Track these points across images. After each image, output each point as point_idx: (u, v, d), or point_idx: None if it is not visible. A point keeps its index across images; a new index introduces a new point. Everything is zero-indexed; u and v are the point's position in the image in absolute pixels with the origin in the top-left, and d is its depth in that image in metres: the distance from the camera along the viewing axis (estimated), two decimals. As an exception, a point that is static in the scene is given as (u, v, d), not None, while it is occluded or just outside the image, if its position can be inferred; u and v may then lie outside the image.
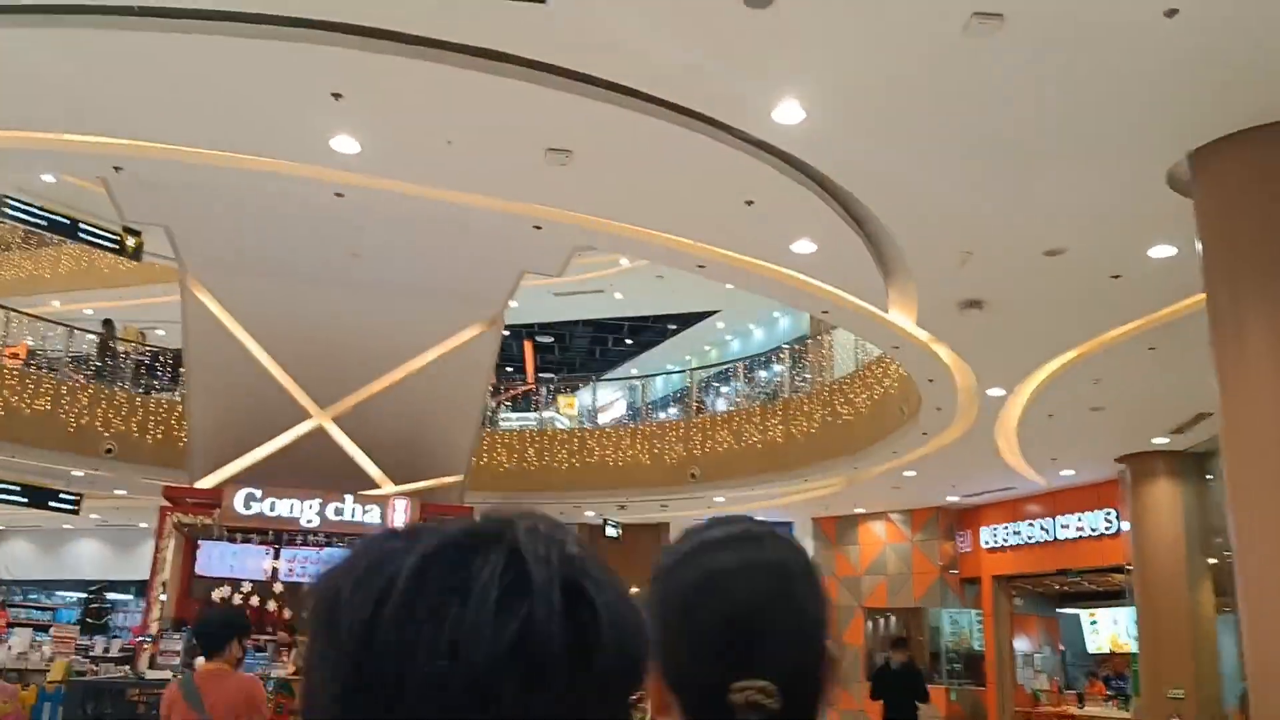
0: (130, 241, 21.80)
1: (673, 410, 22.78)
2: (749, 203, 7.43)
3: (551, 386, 24.26)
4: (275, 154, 7.06)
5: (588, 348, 29.00)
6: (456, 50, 5.81)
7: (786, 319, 23.80)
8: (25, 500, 20.26)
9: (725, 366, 23.13)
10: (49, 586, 28.14)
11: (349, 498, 10.48)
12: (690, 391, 22.08)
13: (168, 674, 9.57)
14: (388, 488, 11.30)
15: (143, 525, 22.26)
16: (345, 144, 6.86)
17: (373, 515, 10.51)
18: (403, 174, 7.34)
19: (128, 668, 9.97)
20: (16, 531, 27.91)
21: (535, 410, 23.78)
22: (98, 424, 18.72)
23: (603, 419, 23.53)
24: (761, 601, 1.00)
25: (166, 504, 10.42)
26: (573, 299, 24.37)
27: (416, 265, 10.19)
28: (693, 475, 19.04)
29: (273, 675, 9.79)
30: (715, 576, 1.01)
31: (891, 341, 9.72)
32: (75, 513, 21.33)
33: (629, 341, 28.03)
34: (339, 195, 7.64)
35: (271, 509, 10.24)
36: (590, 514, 21.64)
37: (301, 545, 10.62)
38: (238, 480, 10.51)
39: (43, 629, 16.23)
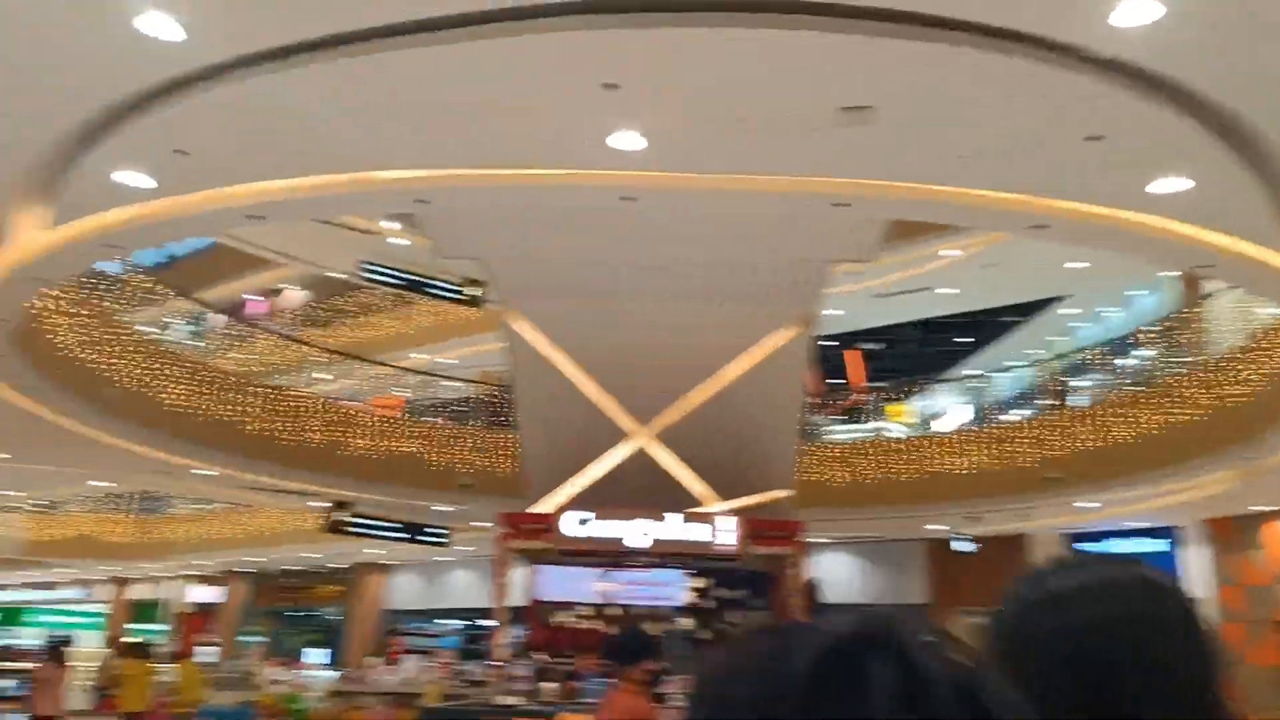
0: (470, 291, 23.37)
1: (1020, 411, 20.70)
2: (1094, 138, 6.19)
3: (881, 395, 22.98)
4: (557, 163, 6.84)
5: (917, 351, 27.36)
6: (734, 9, 5.22)
7: (1147, 295, 20.94)
8: (405, 535, 22.31)
9: (1079, 356, 20.70)
10: (431, 615, 30.81)
11: (675, 517, 10.19)
12: (1041, 387, 19.93)
13: (515, 700, 9.66)
14: (715, 505, 10.89)
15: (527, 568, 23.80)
16: (626, 140, 6.49)
17: (701, 534, 10.13)
18: (690, 164, 6.86)
19: (472, 693, 10.24)
20: (402, 566, 30.82)
21: (865, 421, 22.65)
22: (456, 462, 20.16)
23: (941, 425, 21.99)
24: (1121, 670, 0.88)
25: (503, 530, 10.65)
26: (895, 300, 23.02)
27: (718, 267, 9.73)
28: (1051, 479, 17.05)
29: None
30: (1063, 640, 0.89)
31: (1298, 294, 7.85)
32: (445, 545, 23.19)
33: (963, 341, 26.08)
34: (627, 199, 7.31)
35: (600, 530, 10.17)
36: (934, 528, 20.20)
37: (633, 567, 10.47)
38: (570, 504, 10.56)
39: (428, 655, 17.59)
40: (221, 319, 26.46)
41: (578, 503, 10.66)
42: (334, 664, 27.07)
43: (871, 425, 22.23)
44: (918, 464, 18.78)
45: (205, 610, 34.44)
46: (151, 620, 35.72)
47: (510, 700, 9.69)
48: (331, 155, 6.69)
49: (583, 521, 10.23)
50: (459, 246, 9.47)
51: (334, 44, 5.27)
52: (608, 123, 6.31)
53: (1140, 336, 17.55)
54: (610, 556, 10.42)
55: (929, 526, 20.23)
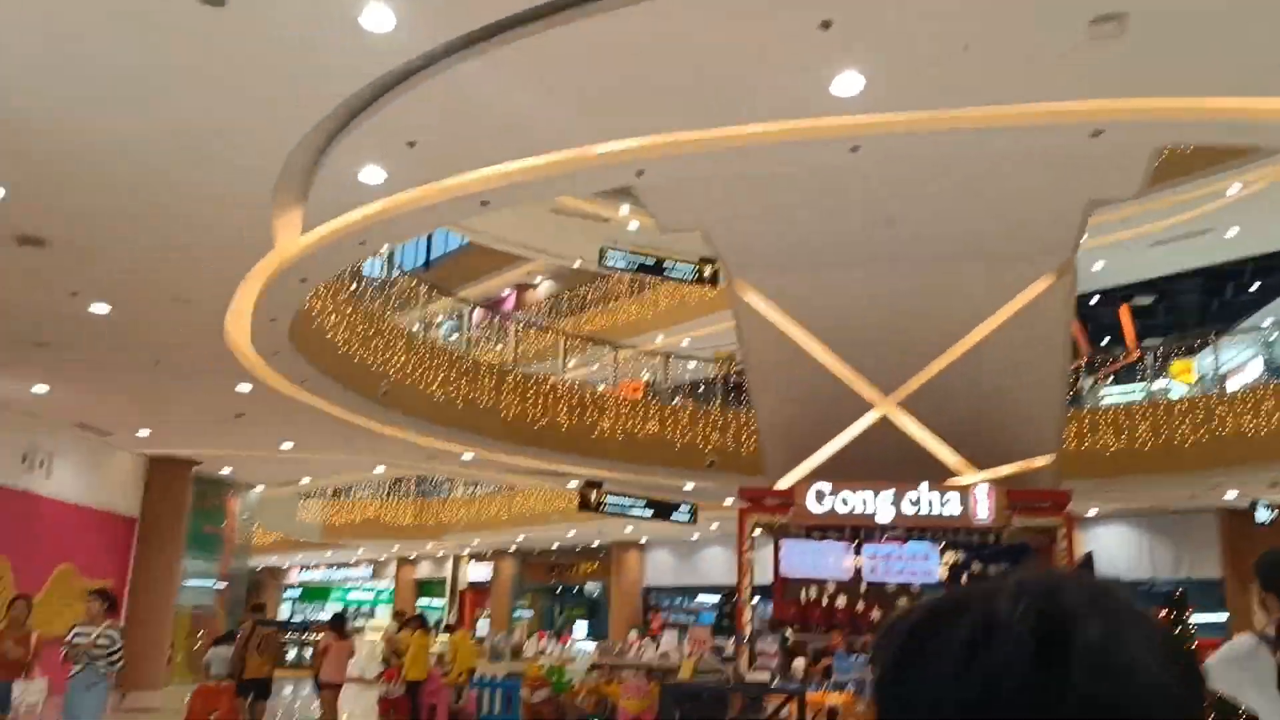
0: (707, 270, 23.47)
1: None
2: None
3: (1159, 353, 20.89)
4: (778, 115, 6.52)
5: (1199, 302, 24.69)
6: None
7: None
8: (651, 514, 22.74)
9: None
10: (688, 592, 31.33)
11: (924, 487, 9.60)
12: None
13: (764, 676, 9.49)
14: (968, 475, 10.20)
15: (758, 532, 23.82)
16: (848, 83, 6.08)
17: (952, 506, 9.49)
18: (917, 102, 6.35)
19: (730, 670, 10.15)
20: (657, 544, 31.52)
21: (1142, 382, 20.67)
22: (699, 440, 20.29)
23: (1232, 384, 19.67)
24: None
25: (744, 505, 10.47)
26: (1173, 247, 20.82)
27: (958, 220, 9.03)
28: (1373, 437, 14.83)
29: (870, 680, 9.23)
30: None
31: None
32: (693, 522, 23.44)
33: (1254, 288, 23.26)
34: (855, 149, 6.88)
35: (844, 504, 9.75)
36: (1231, 495, 18.14)
37: (882, 540, 9.97)
38: (811, 477, 10.22)
39: (685, 630, 17.88)
40: (479, 314, 28.03)
41: (820, 476, 10.30)
42: (596, 638, 28.16)
43: (1149, 386, 20.28)
44: (1205, 426, 16.93)
45: (480, 587, 36.79)
46: (434, 595, 38.64)
47: (759, 677, 9.53)
48: (548, 135, 6.73)
49: (825, 495, 9.85)
50: (681, 218, 9.33)
51: (533, 19, 5.24)
52: (827, 66, 5.94)
53: None
54: (857, 530, 9.98)
55: (1229, 495, 18.21)
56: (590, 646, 18.22)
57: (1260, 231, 19.33)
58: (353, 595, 42.66)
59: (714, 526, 26.55)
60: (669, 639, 17.11)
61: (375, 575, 41.96)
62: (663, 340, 26.49)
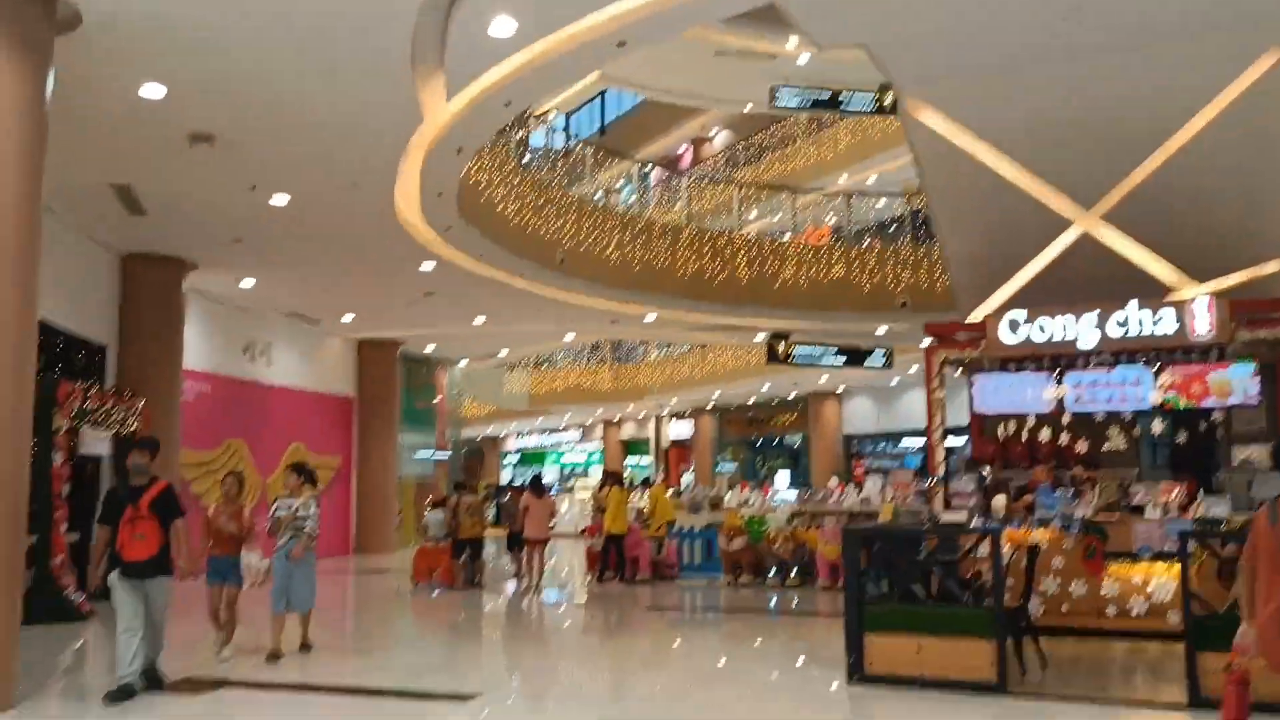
0: (887, 99, 22.14)
1: None
2: None
3: None
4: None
5: None
6: None
7: None
8: (843, 361, 22.27)
9: None
10: (889, 437, 30.90)
11: (1132, 305, 8.71)
12: None
13: (962, 516, 9.12)
14: (1185, 290, 9.19)
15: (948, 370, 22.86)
16: None
17: (1166, 323, 8.58)
18: None
19: (926, 510, 9.83)
20: (855, 391, 31.09)
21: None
22: (889, 281, 19.51)
23: None
24: None
25: (932, 341, 9.91)
26: None
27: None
28: None
29: (1076, 515, 8.70)
30: None
31: None
32: (888, 367, 22.82)
33: None
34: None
35: (1041, 332, 9.01)
36: None
37: (1087, 368, 9.22)
38: (1004, 307, 9.51)
39: (889, 475, 17.65)
40: (656, 174, 27.71)
41: (1016, 304, 9.56)
42: (798, 487, 28.39)
43: None
44: None
45: (683, 444, 37.74)
46: (640, 454, 40.04)
47: (956, 518, 9.17)
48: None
49: (1020, 324, 9.13)
50: (838, 31, 8.54)
51: None
52: None
53: None
54: (1058, 360, 9.25)
55: None
56: (792, 496, 18.28)
57: None
58: (566, 458, 44.87)
59: (913, 370, 25.77)
60: (872, 485, 16.93)
61: (584, 438, 43.80)
62: (846, 181, 25.43)
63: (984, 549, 7.08)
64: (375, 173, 10.13)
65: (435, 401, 23.39)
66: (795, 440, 34.73)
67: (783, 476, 32.51)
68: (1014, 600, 7.30)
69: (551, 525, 14.17)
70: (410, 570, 14.36)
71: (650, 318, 19.03)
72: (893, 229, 23.55)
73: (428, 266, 13.96)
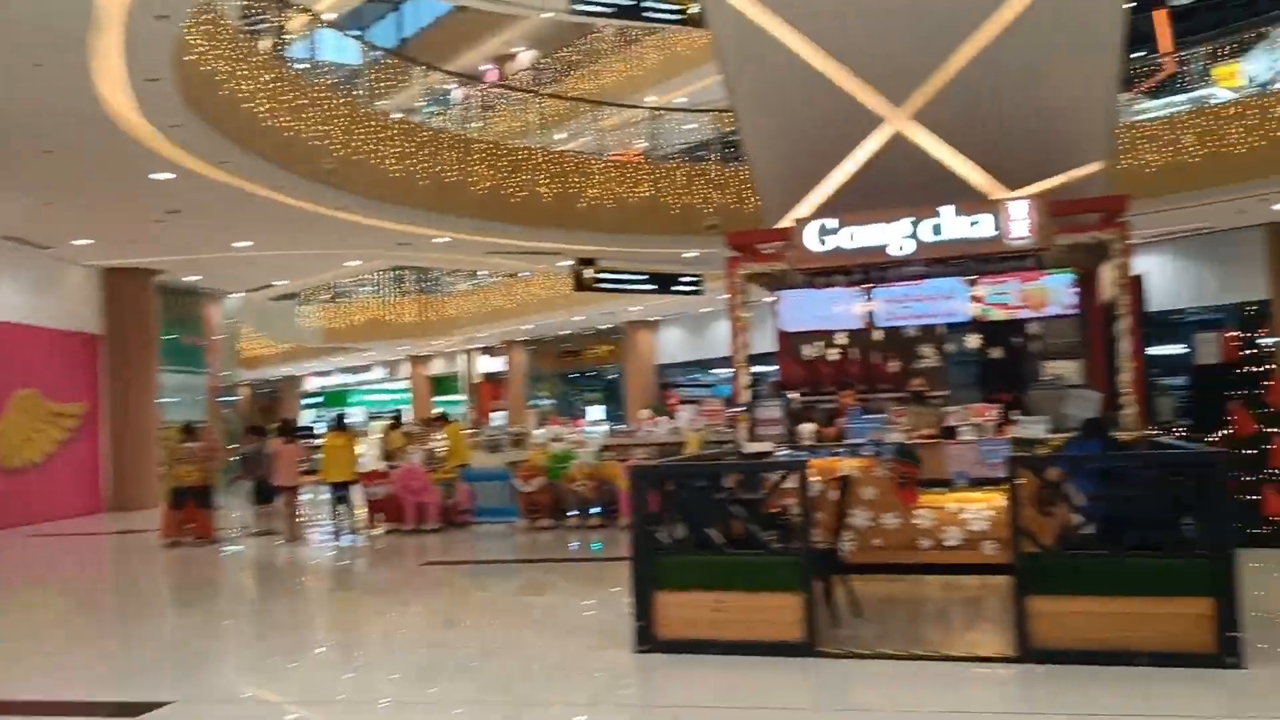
0: (693, 8, 20.94)
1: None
2: None
3: (1199, 55, 18.51)
4: None
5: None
6: None
7: None
8: (654, 287, 21.31)
9: None
10: (703, 366, 30.42)
11: (948, 210, 7.94)
12: None
13: (769, 446, 8.21)
14: (1001, 194, 8.50)
15: (770, 298, 22.28)
16: None
17: (982, 228, 7.85)
18: None
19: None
20: (670, 320, 30.36)
21: (1184, 92, 18.47)
22: (698, 203, 18.56)
23: (1284, 83, 17.45)
24: None
25: (734, 254, 8.89)
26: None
27: None
28: None
29: (889, 440, 7.95)
30: None
31: None
32: (699, 293, 22.05)
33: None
34: None
35: (852, 240, 8.11)
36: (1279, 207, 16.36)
37: (899, 282, 8.43)
38: (813, 215, 8.57)
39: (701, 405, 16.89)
40: (459, 93, 25.57)
41: (824, 213, 8.65)
42: (615, 420, 27.54)
43: (1190, 96, 18.13)
44: (1261, 129, 14.96)
45: (496, 379, 36.19)
46: (451, 392, 38.20)
47: (763, 446, 8.25)
48: None
49: (826, 231, 8.21)
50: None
51: None
52: None
53: None
54: (869, 270, 8.43)
55: (1275, 207, 16.41)
56: (602, 431, 17.35)
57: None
58: (372, 398, 42.45)
59: (724, 296, 25.15)
60: (685, 415, 16.22)
61: (391, 376, 41.55)
62: (656, 101, 24.23)
63: (791, 483, 6.09)
64: (59, 48, 8.09)
65: (206, 340, 20.88)
66: (612, 373, 33.88)
67: (595, 411, 31.62)
68: (826, 539, 6.41)
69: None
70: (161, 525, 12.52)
71: (442, 240, 17.37)
72: (702, 152, 22.64)
73: (163, 176, 11.84)
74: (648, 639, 5.76)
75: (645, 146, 23.26)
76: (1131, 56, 21.31)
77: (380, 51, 21.81)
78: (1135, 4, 20.90)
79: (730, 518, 6.05)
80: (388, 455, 14.75)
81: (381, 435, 16.02)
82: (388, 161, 14.50)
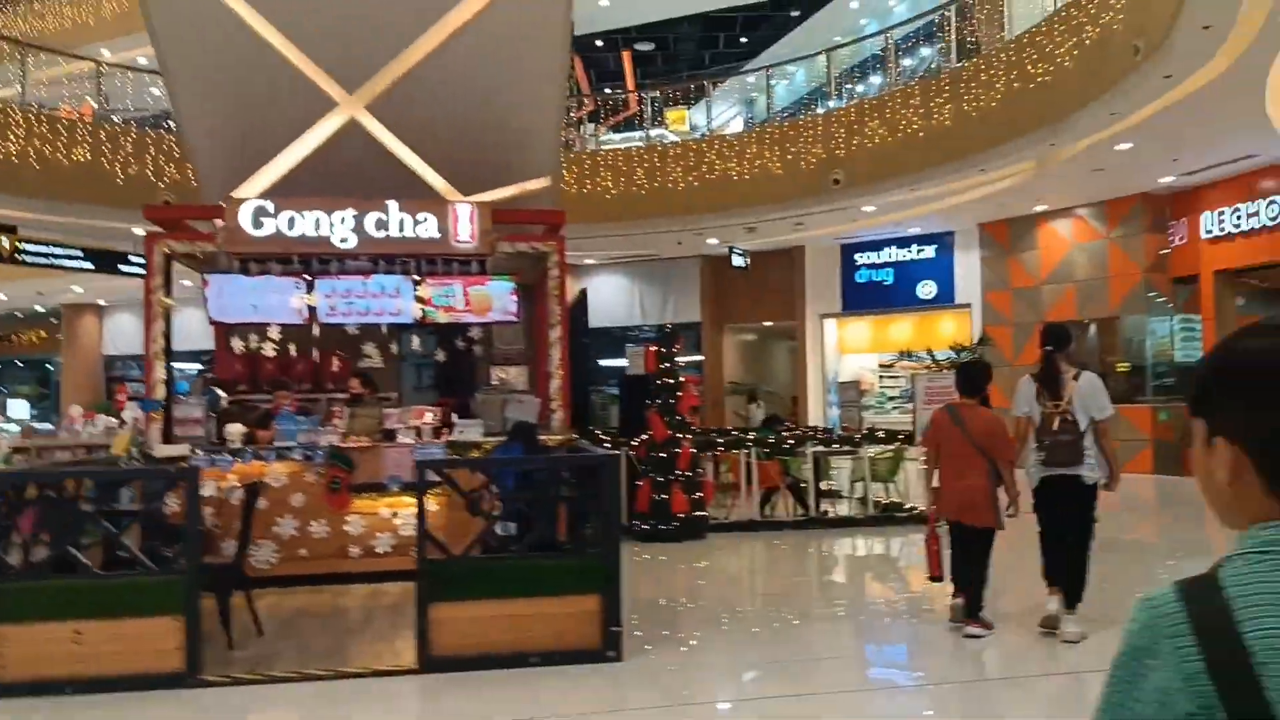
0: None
1: (807, 110, 18.98)
2: None
3: (657, 98, 20.67)
4: None
5: (695, 52, 24.97)
6: None
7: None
8: (92, 266, 18.58)
9: (875, 38, 18.93)
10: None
11: (393, 205, 7.68)
12: (828, 82, 18.18)
13: (185, 449, 7.32)
14: (455, 197, 8.44)
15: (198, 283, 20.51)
16: None
17: (429, 228, 7.71)
18: None
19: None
20: (121, 305, 26.93)
21: (641, 129, 20.48)
22: (151, 174, 16.56)
23: (722, 129, 20.13)
24: None
25: (153, 230, 7.83)
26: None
27: None
28: (835, 181, 15.68)
29: (322, 444, 7.46)
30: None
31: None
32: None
33: (744, 40, 23.85)
34: None
35: (291, 226, 7.49)
36: (713, 242, 18.79)
37: (342, 275, 7.99)
38: (255, 197, 7.81)
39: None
40: None
41: (272, 195, 7.92)
42: (48, 417, 23.73)
43: (647, 133, 20.12)
44: (697, 170, 16.99)
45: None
46: None
47: (179, 449, 7.34)
48: None
49: (263, 213, 7.53)
50: None
51: None
52: None
53: (939, 20, 15.86)
54: (310, 260, 7.87)
55: (711, 241, 18.79)
56: (17, 429, 14.71)
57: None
58: None
59: (188, 282, 22.89)
60: (132, 413, 14.27)
61: None
62: (110, 57, 21.31)
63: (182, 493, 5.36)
64: None
65: None
66: (50, 363, 29.22)
67: (19, 405, 27.06)
68: (223, 554, 5.76)
69: None
70: None
71: None
72: (169, 121, 20.35)
73: None
74: (-18, 688, 4.69)
75: (96, 108, 20.34)
76: (605, 90, 23.29)
77: None
78: (604, 44, 22.94)
79: (106, 533, 5.16)
80: None
81: None
82: None
